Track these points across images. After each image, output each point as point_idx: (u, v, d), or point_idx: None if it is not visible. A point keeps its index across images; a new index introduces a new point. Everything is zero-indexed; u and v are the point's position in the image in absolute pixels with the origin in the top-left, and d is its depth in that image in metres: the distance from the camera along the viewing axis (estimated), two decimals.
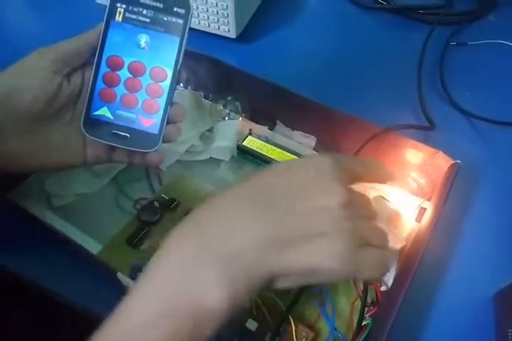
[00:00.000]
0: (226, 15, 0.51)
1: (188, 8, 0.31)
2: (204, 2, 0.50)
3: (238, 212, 0.25)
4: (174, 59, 0.31)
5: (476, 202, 0.41)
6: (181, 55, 0.32)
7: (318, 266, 0.24)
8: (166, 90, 0.32)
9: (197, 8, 0.51)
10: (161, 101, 0.32)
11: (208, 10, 0.51)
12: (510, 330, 0.32)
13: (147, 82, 0.32)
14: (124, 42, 0.31)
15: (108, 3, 0.31)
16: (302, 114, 0.43)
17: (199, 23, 0.53)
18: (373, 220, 0.27)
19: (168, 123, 0.32)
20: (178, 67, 0.32)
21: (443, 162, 0.39)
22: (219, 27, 0.53)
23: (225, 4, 0.49)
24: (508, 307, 0.34)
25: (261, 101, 0.45)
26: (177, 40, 0.31)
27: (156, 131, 0.32)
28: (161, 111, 0.32)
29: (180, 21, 0.31)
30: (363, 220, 0.26)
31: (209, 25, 0.53)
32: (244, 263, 0.23)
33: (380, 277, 0.27)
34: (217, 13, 0.51)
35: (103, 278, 0.29)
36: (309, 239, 0.24)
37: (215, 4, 0.50)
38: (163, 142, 0.33)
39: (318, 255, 0.24)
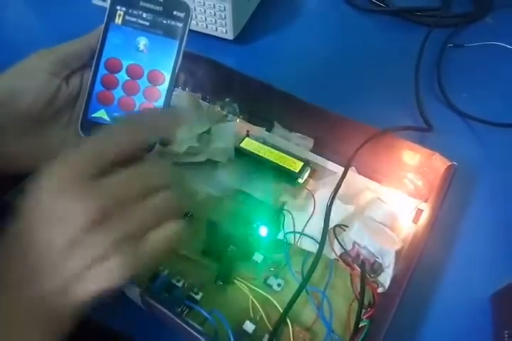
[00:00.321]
0: (224, 16, 0.51)
1: (187, 11, 0.31)
2: (202, 4, 0.50)
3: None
4: (172, 62, 0.31)
5: (473, 203, 0.42)
6: (180, 59, 0.32)
7: (112, 284, 0.23)
8: (164, 94, 0.32)
9: (195, 9, 0.51)
10: (158, 105, 0.32)
11: (205, 11, 0.51)
12: (506, 332, 0.32)
13: (145, 85, 0.32)
14: (123, 45, 0.31)
15: (108, 6, 0.31)
16: (300, 115, 0.43)
17: (197, 24, 0.53)
18: (136, 206, 0.23)
19: None
20: (177, 70, 0.32)
21: (440, 164, 0.39)
22: (217, 28, 0.53)
23: (222, 6, 0.49)
24: (504, 309, 0.34)
25: (258, 103, 0.45)
26: (176, 43, 0.31)
27: None
28: None
29: (180, 25, 0.31)
30: (123, 222, 0.23)
31: (207, 27, 0.53)
32: (44, 310, 0.23)
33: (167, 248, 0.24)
34: (215, 14, 0.51)
35: None
36: (81, 274, 0.22)
37: (212, 6, 0.50)
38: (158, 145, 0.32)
39: (104, 279, 0.23)
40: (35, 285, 0.23)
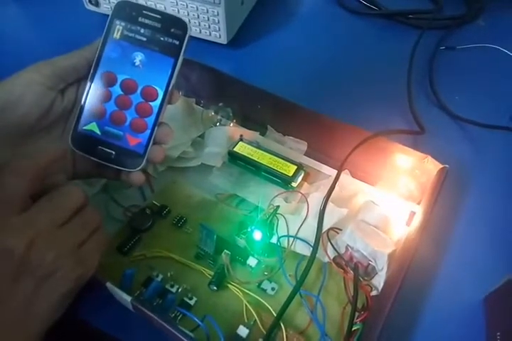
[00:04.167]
0: (217, 21, 0.51)
1: (185, 30, 0.31)
2: (195, 8, 0.51)
3: None
4: (166, 79, 0.31)
5: (465, 205, 0.42)
6: (174, 76, 0.31)
7: (66, 291, 0.26)
8: (156, 110, 0.32)
9: (188, 14, 0.52)
10: (149, 121, 0.32)
11: (199, 16, 0.51)
12: (498, 333, 0.32)
13: (137, 101, 0.32)
14: (119, 59, 0.32)
15: (108, 20, 0.31)
16: (293, 119, 0.43)
17: (190, 29, 0.53)
18: (63, 222, 0.27)
19: (153, 143, 0.33)
20: (170, 87, 0.32)
21: (432, 166, 0.39)
22: (210, 33, 0.53)
23: (216, 10, 0.50)
24: (496, 310, 0.34)
25: (252, 107, 0.45)
26: (171, 61, 0.31)
27: (141, 151, 0.32)
28: (148, 131, 0.32)
29: (177, 42, 0.31)
30: (58, 242, 0.26)
31: (200, 32, 0.53)
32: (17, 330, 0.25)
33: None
34: (208, 19, 0.51)
35: (93, 287, 0.29)
36: (33, 295, 0.25)
37: (205, 10, 0.50)
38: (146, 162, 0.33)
39: (56, 291, 0.26)
40: None
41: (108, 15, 0.32)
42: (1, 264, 0.25)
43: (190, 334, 0.29)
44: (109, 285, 0.29)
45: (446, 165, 0.38)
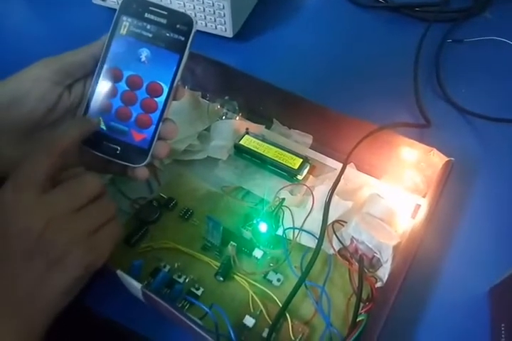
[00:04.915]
0: (223, 14, 0.51)
1: (190, 25, 0.31)
2: (201, 2, 0.51)
3: None
4: (172, 75, 0.32)
5: (471, 198, 0.42)
6: (179, 72, 0.32)
7: (76, 277, 0.27)
8: (160, 106, 0.32)
9: (194, 8, 0.52)
10: (154, 117, 0.32)
11: (204, 10, 0.51)
12: (503, 325, 0.33)
13: (143, 96, 0.32)
14: (126, 55, 0.32)
15: (115, 16, 0.31)
16: (299, 112, 0.43)
17: (196, 22, 0.53)
18: (80, 208, 0.28)
19: (158, 139, 0.33)
20: (176, 83, 0.32)
21: (438, 159, 0.39)
22: (216, 26, 0.53)
23: (221, 4, 0.50)
24: (501, 302, 0.34)
25: (258, 101, 0.45)
26: (177, 57, 0.31)
27: (145, 147, 0.33)
28: (153, 127, 0.32)
29: (182, 39, 0.31)
30: (72, 226, 0.27)
31: (206, 25, 0.53)
32: (15, 321, 0.25)
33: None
34: (214, 12, 0.51)
35: (102, 275, 0.30)
36: (42, 277, 0.26)
37: (211, 4, 0.50)
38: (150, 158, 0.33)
39: (66, 275, 0.26)
40: None
41: (114, 10, 0.32)
42: (18, 241, 0.25)
43: (199, 321, 0.29)
44: (119, 272, 0.30)
45: (452, 158, 0.38)
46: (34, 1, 0.61)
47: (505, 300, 0.34)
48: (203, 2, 0.50)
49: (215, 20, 0.52)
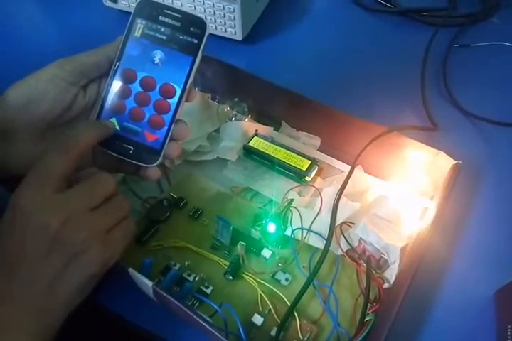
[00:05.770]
0: (233, 18, 0.52)
1: (203, 28, 0.32)
2: (211, 5, 0.51)
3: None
4: (184, 77, 0.32)
5: (478, 201, 0.42)
6: (192, 74, 0.32)
7: (92, 274, 0.28)
8: (173, 107, 0.33)
9: (204, 11, 0.52)
10: (167, 118, 0.33)
11: (215, 13, 0.52)
12: (509, 326, 0.33)
13: (156, 98, 0.33)
14: (140, 57, 0.32)
15: (130, 19, 0.32)
16: (307, 115, 0.44)
17: (209, 28, 0.54)
18: (95, 207, 0.28)
19: (170, 140, 0.33)
20: (188, 85, 0.32)
21: (445, 162, 0.39)
22: (226, 29, 0.54)
23: (232, 7, 0.50)
24: (508, 304, 0.35)
25: (267, 103, 0.46)
26: (190, 59, 0.32)
27: (158, 147, 0.33)
28: (165, 128, 0.33)
29: (195, 41, 0.32)
30: (88, 225, 0.27)
31: (216, 28, 0.54)
32: (34, 316, 0.26)
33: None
34: (224, 16, 0.52)
35: (113, 273, 0.30)
36: (61, 272, 0.26)
37: (222, 7, 0.51)
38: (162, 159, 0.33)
39: (83, 272, 0.27)
40: (18, 295, 0.26)
41: (126, 12, 0.33)
42: (35, 239, 0.26)
43: (209, 319, 0.30)
44: (131, 270, 0.30)
45: (460, 161, 0.38)
46: (47, 4, 0.62)
47: (511, 302, 0.34)
48: (214, 5, 0.51)
49: (225, 24, 0.53)
